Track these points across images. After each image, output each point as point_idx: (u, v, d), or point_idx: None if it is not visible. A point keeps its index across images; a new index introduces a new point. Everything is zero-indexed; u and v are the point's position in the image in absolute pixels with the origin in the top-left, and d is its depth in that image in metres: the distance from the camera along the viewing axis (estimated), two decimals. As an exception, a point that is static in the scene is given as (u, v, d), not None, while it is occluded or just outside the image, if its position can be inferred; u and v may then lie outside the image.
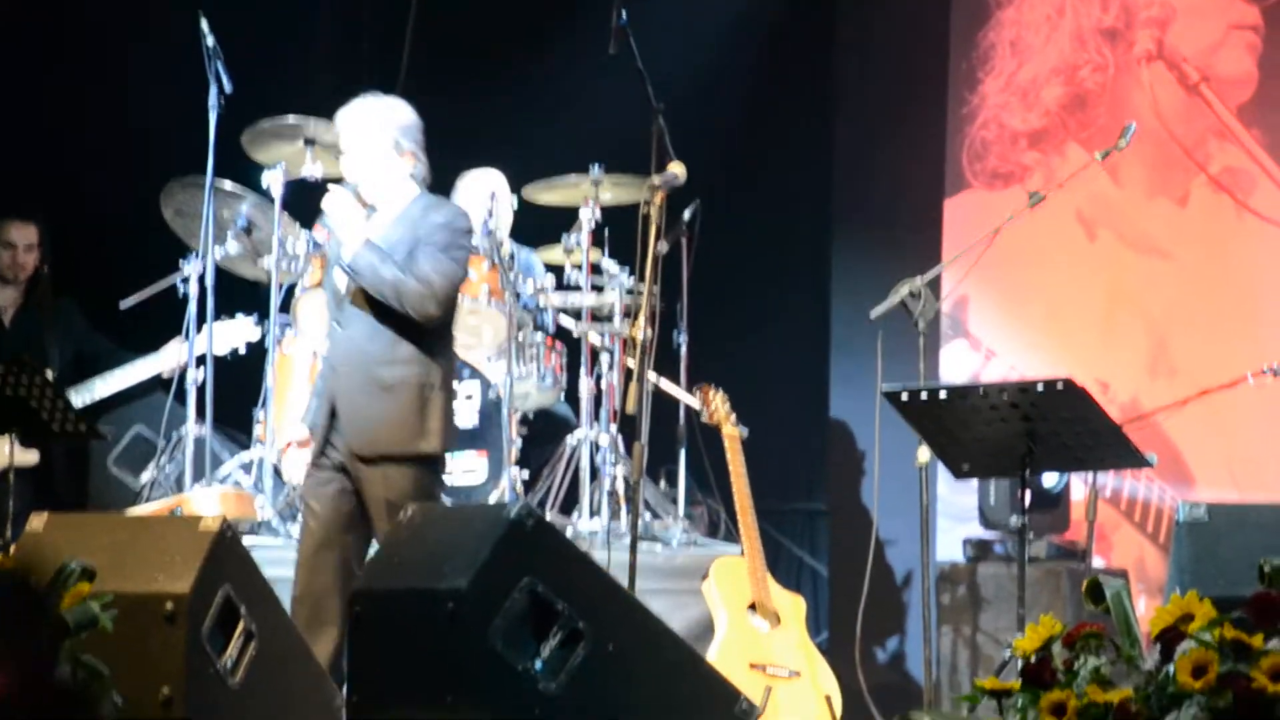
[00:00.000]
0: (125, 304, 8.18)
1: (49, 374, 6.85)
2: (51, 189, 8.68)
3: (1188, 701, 3.62)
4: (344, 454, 6.29)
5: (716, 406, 7.24)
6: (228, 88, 7.90)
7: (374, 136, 6.29)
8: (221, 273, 8.11)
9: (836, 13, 9.70)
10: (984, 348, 9.16)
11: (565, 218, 8.31)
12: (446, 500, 7.62)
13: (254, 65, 8.25)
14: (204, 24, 7.86)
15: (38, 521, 5.37)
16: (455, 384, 7.89)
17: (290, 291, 8.20)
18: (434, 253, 6.21)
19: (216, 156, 7.89)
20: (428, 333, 6.27)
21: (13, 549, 5.32)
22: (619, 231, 8.14)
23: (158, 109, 8.69)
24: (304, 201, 8.22)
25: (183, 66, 8.13)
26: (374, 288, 6.20)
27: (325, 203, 6.31)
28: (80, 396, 7.90)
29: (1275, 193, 8.74)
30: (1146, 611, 4.73)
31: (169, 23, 8.47)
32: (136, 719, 4.70)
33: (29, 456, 7.62)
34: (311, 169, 8.10)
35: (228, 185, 8.13)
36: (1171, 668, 3.66)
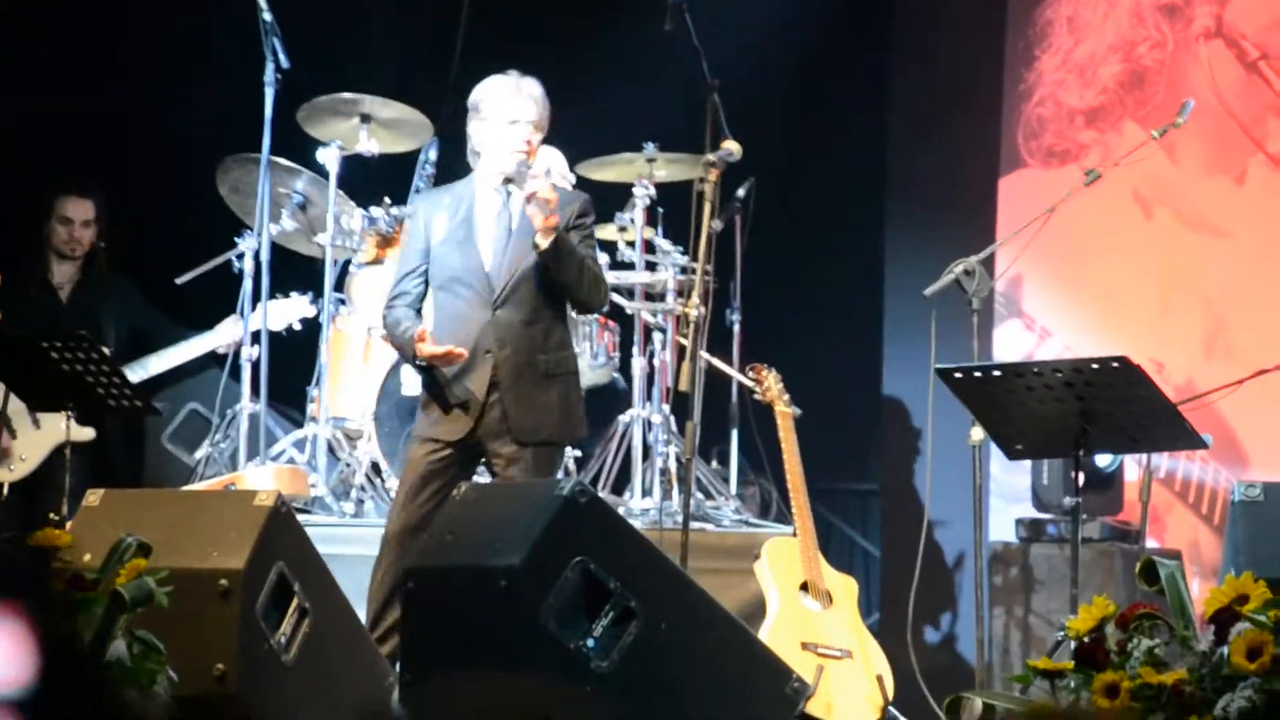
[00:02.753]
0: (181, 280, 8.21)
1: (105, 350, 6.88)
2: (108, 165, 8.71)
3: (1242, 683, 3.61)
4: (489, 435, 6.34)
5: (769, 385, 7.23)
6: (284, 64, 7.92)
7: (544, 114, 6.44)
8: (277, 249, 8.14)
9: (893, -10, 9.67)
10: (1038, 327, 9.12)
11: (619, 195, 8.31)
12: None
13: (310, 41, 8.26)
14: (261, 0, 7.88)
15: (94, 497, 5.40)
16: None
17: (345, 268, 8.22)
18: (589, 243, 6.36)
19: (272, 133, 7.91)
20: (568, 323, 6.41)
21: (69, 524, 5.35)
22: (673, 209, 8.13)
23: (214, 85, 8.71)
24: (359, 178, 8.24)
25: (240, 42, 8.14)
26: (565, 276, 6.28)
27: (540, 188, 6.27)
28: (135, 373, 7.94)
29: (1334, 172, 8.69)
30: (1200, 594, 4.71)
31: (227, -1, 8.49)
32: (190, 695, 4.73)
33: (85, 432, 7.66)
34: (366, 145, 8.11)
35: (283, 162, 8.16)
36: (1226, 649, 3.65)
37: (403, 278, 6.54)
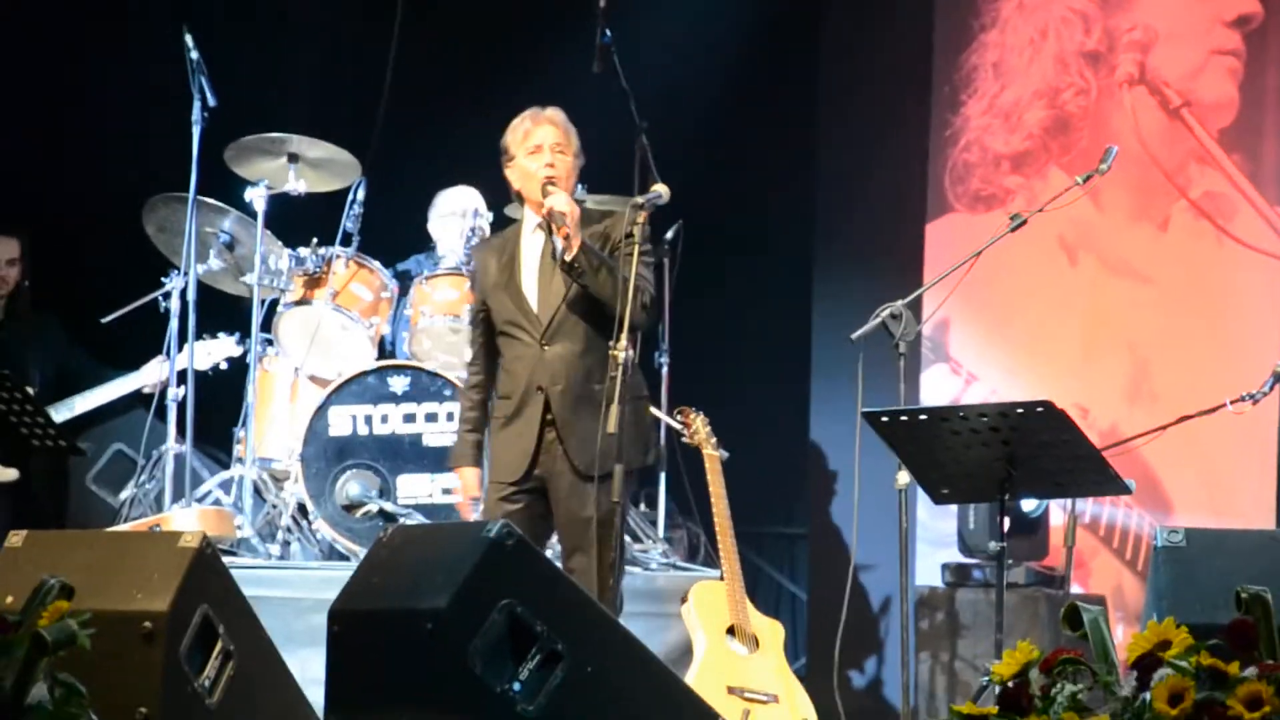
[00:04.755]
0: (107, 320, 8.17)
1: (29, 389, 6.84)
2: (33, 203, 8.67)
3: (1164, 729, 3.62)
4: (551, 474, 6.34)
5: (697, 428, 7.24)
6: (211, 102, 7.91)
7: (571, 140, 6.50)
8: (204, 289, 8.11)
9: (820, 34, 9.71)
10: (965, 372, 9.16)
11: (547, 237, 8.30)
12: (421, 520, 7.62)
13: (238, 80, 8.25)
14: (188, 39, 7.86)
15: (16, 538, 5.35)
16: (436, 405, 7.87)
17: (273, 308, 8.19)
18: (643, 260, 6.32)
19: (200, 172, 7.90)
20: (631, 347, 6.35)
21: (-9, 565, 5.30)
22: (601, 252, 8.13)
23: (141, 124, 8.69)
24: (287, 217, 8.22)
25: (167, 81, 8.13)
26: (597, 287, 6.30)
27: (554, 200, 6.34)
28: (60, 413, 7.90)
29: (1256, 218, 8.76)
30: (1124, 639, 4.73)
31: (153, 37, 8.47)
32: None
33: (8, 473, 7.61)
34: (294, 185, 8.11)
35: (211, 201, 8.13)
36: (1148, 695, 3.67)
37: (472, 327, 6.73)
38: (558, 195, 6.36)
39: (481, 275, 6.61)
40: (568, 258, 6.32)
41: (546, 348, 6.42)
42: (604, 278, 6.31)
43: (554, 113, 6.55)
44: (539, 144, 6.47)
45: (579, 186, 8.22)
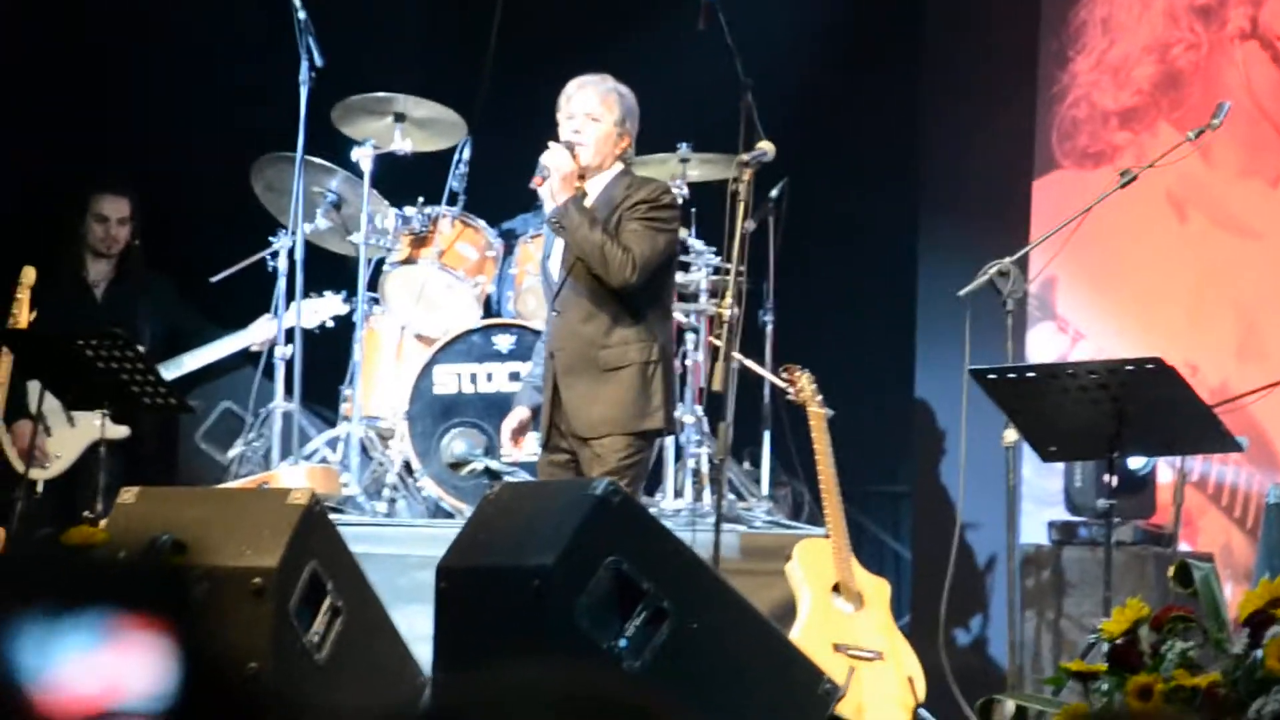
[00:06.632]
0: (215, 279, 8.23)
1: (140, 348, 6.90)
2: (143, 163, 8.73)
3: (1276, 686, 3.60)
4: (561, 434, 6.50)
5: (802, 386, 7.22)
6: (319, 62, 7.94)
7: (609, 109, 6.55)
8: (311, 248, 8.15)
9: (928, -9, 9.65)
10: (1072, 329, 9.10)
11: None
12: (526, 478, 7.65)
13: (345, 40, 8.28)
14: None
15: (129, 495, 5.42)
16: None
17: (379, 267, 8.23)
18: (634, 223, 6.42)
19: (307, 132, 7.93)
20: (645, 310, 6.48)
21: (104, 522, 5.37)
22: (706, 210, 8.12)
23: (249, 84, 8.73)
24: (393, 177, 8.25)
25: (274, 41, 8.16)
26: (578, 245, 6.40)
27: (545, 156, 6.47)
28: (170, 371, 7.96)
29: (1369, 174, 8.66)
30: (1234, 597, 4.70)
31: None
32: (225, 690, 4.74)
33: (120, 430, 7.68)
34: (400, 144, 8.13)
35: (318, 161, 8.17)
36: (1260, 652, 3.64)
37: None
38: (552, 150, 6.45)
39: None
40: (546, 210, 6.47)
41: (556, 314, 6.57)
42: (584, 236, 6.37)
43: (593, 80, 6.62)
44: (571, 112, 6.57)
45: (683, 145, 8.24)
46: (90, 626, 2.01)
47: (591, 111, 6.54)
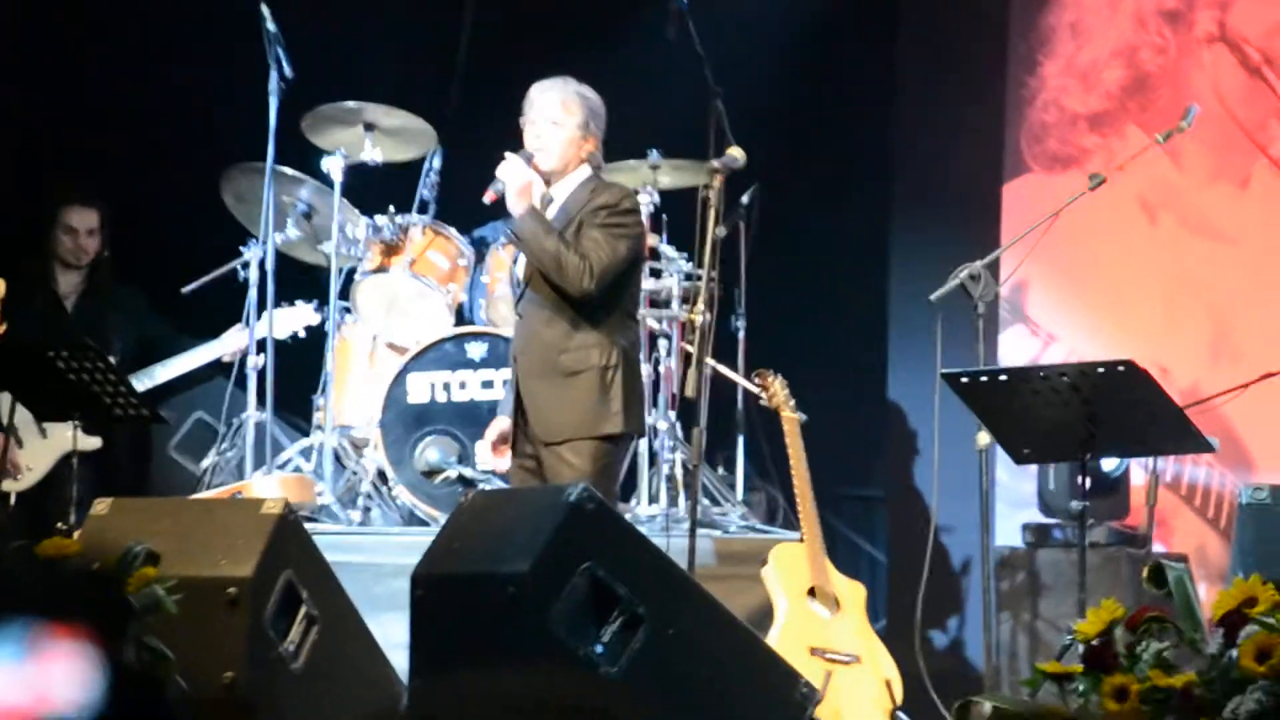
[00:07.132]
0: (186, 289, 8.22)
1: (111, 359, 6.89)
2: (112, 174, 8.72)
3: (1251, 686, 3.61)
4: (524, 438, 6.49)
5: (775, 391, 7.23)
6: (288, 72, 7.94)
7: (569, 113, 6.53)
8: (282, 258, 8.14)
9: (897, -4, 9.67)
10: (1043, 332, 9.12)
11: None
12: (500, 485, 7.64)
13: (315, 50, 8.27)
14: (265, 9, 7.89)
15: (102, 506, 5.41)
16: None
17: (350, 276, 8.22)
18: (595, 230, 6.40)
19: (277, 142, 7.93)
20: (606, 315, 6.45)
21: (77, 533, 5.35)
22: (677, 216, 8.13)
23: (219, 94, 8.72)
24: (363, 186, 8.24)
25: (244, 52, 8.15)
26: (535, 256, 6.39)
27: (500, 169, 6.45)
28: (142, 382, 7.94)
29: (1337, 175, 8.69)
30: (1208, 597, 4.72)
31: (230, 8, 8.50)
32: (200, 700, 4.73)
33: (92, 441, 7.67)
34: (371, 154, 8.13)
35: (288, 171, 8.17)
36: (1234, 652, 3.65)
37: None
38: (507, 162, 6.45)
39: None
40: (512, 220, 6.45)
41: (519, 318, 6.58)
42: (539, 247, 6.37)
43: (555, 84, 6.60)
44: (532, 118, 6.56)
45: (654, 151, 8.24)
46: (14, 638, 2.00)
47: (552, 116, 6.52)
